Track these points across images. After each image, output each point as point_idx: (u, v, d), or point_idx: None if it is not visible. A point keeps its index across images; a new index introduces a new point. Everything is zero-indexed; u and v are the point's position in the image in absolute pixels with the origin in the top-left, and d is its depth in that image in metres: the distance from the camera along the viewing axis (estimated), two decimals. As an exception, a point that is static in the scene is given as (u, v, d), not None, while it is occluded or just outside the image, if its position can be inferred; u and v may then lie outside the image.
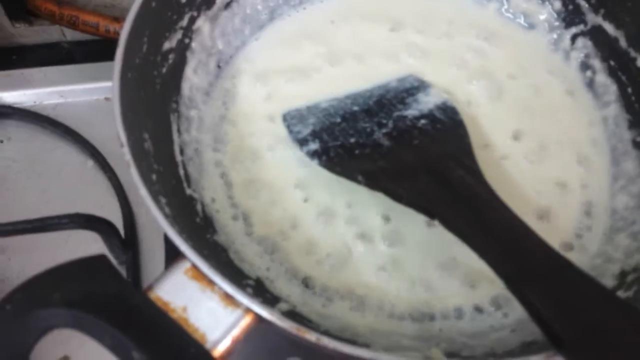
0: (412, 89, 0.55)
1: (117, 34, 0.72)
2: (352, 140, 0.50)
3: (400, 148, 0.49)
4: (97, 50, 0.76)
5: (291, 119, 0.53)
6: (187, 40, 0.54)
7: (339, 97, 0.55)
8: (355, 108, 0.53)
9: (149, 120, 0.47)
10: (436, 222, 0.44)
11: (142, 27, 0.47)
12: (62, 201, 0.60)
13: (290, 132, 0.52)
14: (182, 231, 0.41)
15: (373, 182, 0.46)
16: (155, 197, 0.41)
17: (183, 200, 0.48)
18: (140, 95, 0.47)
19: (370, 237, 0.49)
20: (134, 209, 0.60)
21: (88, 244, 0.56)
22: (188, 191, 0.49)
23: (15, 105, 0.66)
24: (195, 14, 0.54)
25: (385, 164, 0.48)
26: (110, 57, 0.69)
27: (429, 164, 0.47)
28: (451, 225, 0.42)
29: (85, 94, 0.67)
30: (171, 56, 0.52)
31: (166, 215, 0.40)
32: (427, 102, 0.53)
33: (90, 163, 0.63)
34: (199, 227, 0.47)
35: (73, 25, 0.74)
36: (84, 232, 0.53)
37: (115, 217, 0.58)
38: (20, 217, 0.57)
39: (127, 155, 0.40)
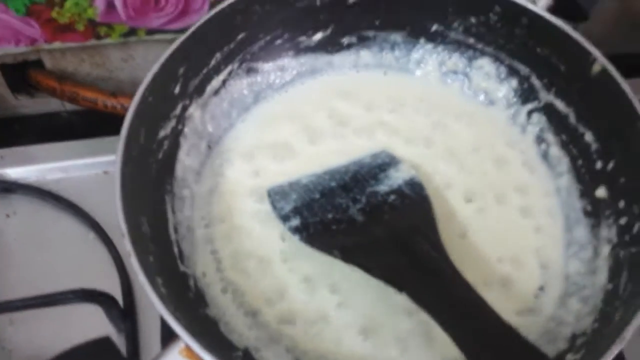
0: (383, 164, 0.60)
1: (115, 108, 0.78)
2: (330, 216, 0.56)
3: (372, 223, 0.55)
4: (96, 120, 0.80)
5: (275, 195, 0.58)
6: (180, 127, 0.59)
7: (318, 173, 0.60)
8: (333, 184, 0.59)
9: (146, 204, 0.52)
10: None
11: (139, 121, 0.52)
12: (64, 272, 0.65)
13: (274, 208, 0.57)
14: (177, 309, 0.46)
15: (348, 256, 0.52)
16: (152, 280, 0.46)
17: (177, 276, 0.53)
18: (139, 184, 0.52)
19: (349, 304, 0.54)
20: (132, 277, 0.65)
21: (90, 313, 0.60)
22: (182, 268, 0.54)
23: (20, 181, 0.71)
24: (187, 102, 0.60)
25: (359, 239, 0.53)
26: (107, 131, 0.75)
27: (398, 238, 0.53)
28: (417, 299, 0.47)
29: (85, 169, 0.72)
30: (166, 142, 0.57)
31: (162, 296, 0.45)
32: (397, 177, 0.58)
33: (91, 235, 0.67)
34: (192, 301, 0.52)
35: (73, 100, 0.79)
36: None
37: (114, 285, 0.63)
38: (27, 289, 0.62)
39: (128, 246, 0.45)
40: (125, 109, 0.77)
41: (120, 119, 0.78)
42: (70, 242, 0.67)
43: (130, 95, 0.76)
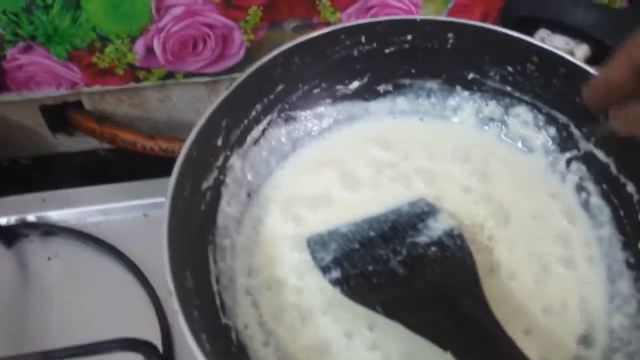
0: (422, 214, 0.60)
1: (153, 149, 0.80)
2: (370, 268, 0.56)
3: (413, 277, 0.55)
4: (133, 159, 0.82)
5: (314, 245, 0.59)
6: (222, 177, 0.60)
7: (356, 222, 0.60)
8: (372, 233, 0.59)
9: (190, 257, 0.53)
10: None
11: (185, 175, 0.53)
12: (104, 316, 0.65)
13: (314, 258, 0.57)
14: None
15: (390, 312, 0.52)
16: (198, 338, 0.46)
17: (220, 330, 0.53)
18: (183, 237, 0.53)
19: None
20: (171, 322, 0.65)
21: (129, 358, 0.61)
22: (224, 320, 0.54)
23: (61, 224, 0.72)
24: (229, 153, 0.61)
25: (400, 294, 0.53)
26: (145, 170, 0.76)
27: (440, 294, 0.52)
28: (461, 358, 0.47)
29: (124, 212, 0.73)
30: (208, 193, 0.58)
31: (207, 354, 0.46)
32: (436, 228, 0.58)
33: (130, 278, 0.68)
34: (234, 356, 0.53)
35: (112, 142, 0.81)
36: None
37: (153, 329, 0.64)
38: (67, 334, 0.63)
39: (176, 305, 0.46)
40: (163, 151, 0.79)
41: (157, 160, 0.80)
42: (110, 286, 0.68)
43: (167, 137, 0.79)
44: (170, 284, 0.47)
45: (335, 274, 0.56)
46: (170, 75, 0.77)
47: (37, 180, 0.84)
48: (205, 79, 0.78)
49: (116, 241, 0.70)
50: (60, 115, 0.83)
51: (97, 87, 0.78)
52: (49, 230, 0.72)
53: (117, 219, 0.73)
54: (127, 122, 0.84)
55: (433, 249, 0.57)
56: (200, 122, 0.55)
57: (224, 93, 0.56)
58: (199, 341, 0.46)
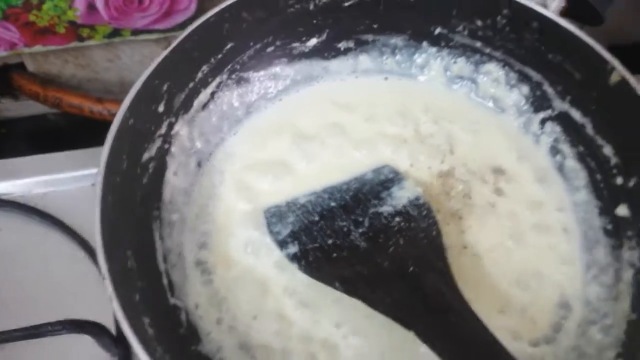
0: (386, 181, 0.56)
1: (101, 114, 0.74)
2: (330, 241, 0.52)
3: (376, 251, 0.51)
4: (84, 123, 0.77)
5: (271, 217, 0.55)
6: (166, 146, 0.55)
7: (317, 192, 0.56)
8: (333, 204, 0.55)
9: (131, 235, 0.49)
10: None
11: (121, 147, 0.49)
12: (51, 294, 0.61)
13: (271, 232, 0.54)
14: (167, 349, 0.43)
15: (350, 289, 0.48)
16: (137, 323, 0.43)
17: (167, 311, 0.50)
18: (122, 214, 0.48)
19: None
20: (123, 300, 0.62)
21: (81, 341, 0.57)
22: (172, 300, 0.51)
23: (4, 197, 0.67)
24: (173, 119, 0.56)
25: (361, 269, 0.50)
26: (96, 137, 0.71)
27: (404, 269, 0.49)
28: (426, 339, 0.44)
29: (72, 182, 0.68)
30: (151, 165, 0.53)
31: (150, 340, 0.42)
32: (401, 197, 0.55)
33: (80, 254, 0.64)
34: (184, 339, 0.49)
35: (58, 106, 0.76)
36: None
37: (105, 307, 0.60)
38: (11, 315, 0.59)
39: (109, 289, 0.42)
40: (113, 115, 0.74)
41: (108, 125, 0.75)
42: (58, 262, 0.64)
43: (117, 101, 0.74)
44: (104, 268, 0.43)
45: (293, 248, 0.52)
46: (116, 32, 0.72)
47: (-20, 149, 0.79)
48: (155, 35, 0.73)
49: (63, 214, 0.66)
50: (3, 79, 0.78)
51: (37, 47, 0.72)
52: (-10, 203, 0.67)
53: (63, 190, 0.68)
54: (75, 84, 0.79)
55: (397, 219, 0.53)
56: (136, 87, 0.50)
57: (161, 54, 0.51)
58: (139, 327, 0.43)
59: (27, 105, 0.82)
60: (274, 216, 0.55)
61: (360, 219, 0.53)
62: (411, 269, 0.49)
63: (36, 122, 0.84)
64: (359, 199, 0.55)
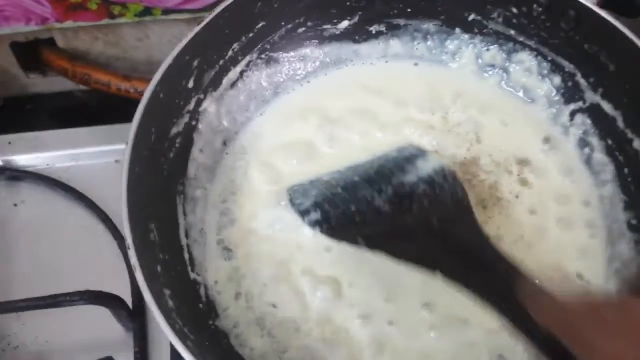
0: (411, 157, 0.54)
1: (128, 92, 0.75)
2: (353, 208, 0.51)
3: (399, 213, 0.50)
4: (110, 101, 0.77)
5: (294, 193, 0.54)
6: (194, 123, 0.55)
7: (340, 170, 0.56)
8: (356, 178, 0.53)
9: (155, 209, 0.49)
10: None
11: (150, 120, 0.49)
12: (72, 267, 0.62)
13: (293, 204, 0.53)
14: (185, 323, 0.43)
15: (373, 243, 0.48)
16: (159, 294, 0.43)
17: (187, 285, 0.50)
18: (148, 187, 0.48)
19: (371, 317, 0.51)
20: (142, 275, 0.62)
21: (99, 311, 0.58)
22: (192, 275, 0.51)
23: (29, 169, 0.68)
24: (202, 96, 0.56)
25: (385, 228, 0.49)
26: (122, 114, 0.72)
27: (428, 227, 0.49)
28: (451, 274, 0.44)
29: (96, 157, 0.69)
30: (178, 140, 0.54)
31: (169, 311, 0.42)
32: (426, 168, 0.52)
33: (100, 228, 0.64)
34: (202, 313, 0.49)
35: (85, 82, 0.76)
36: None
37: (123, 281, 0.60)
38: (33, 285, 0.60)
39: (134, 259, 0.42)
40: (140, 93, 0.74)
41: (135, 103, 0.75)
42: (79, 235, 0.64)
43: (144, 79, 0.74)
44: (129, 237, 0.43)
45: (315, 216, 0.50)
46: (147, 11, 0.71)
47: (8, 123, 0.79)
48: (186, 15, 0.73)
49: (86, 188, 0.66)
50: (33, 54, 0.78)
51: (69, 23, 0.72)
52: (15, 175, 0.67)
53: (87, 164, 0.69)
54: (103, 61, 0.79)
55: (422, 186, 0.51)
56: (168, 61, 0.50)
57: (194, 29, 0.51)
58: (160, 298, 0.43)
59: (55, 81, 0.82)
60: (297, 192, 0.54)
61: (384, 188, 0.51)
62: (437, 226, 0.48)
63: (63, 99, 0.84)
64: (383, 173, 0.53)
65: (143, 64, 0.80)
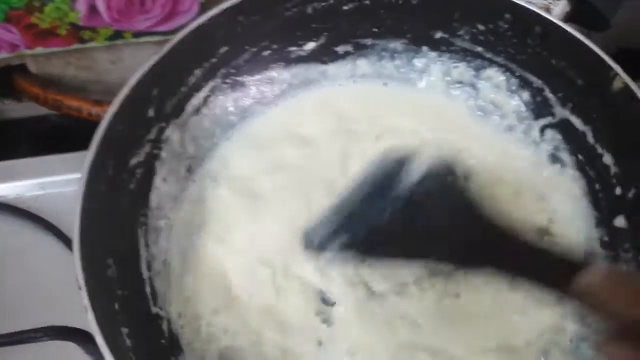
0: (399, 163, 0.52)
1: (100, 117, 0.74)
2: (373, 222, 0.48)
3: (413, 215, 0.48)
4: (87, 126, 0.77)
5: (308, 235, 0.50)
6: (156, 151, 0.54)
7: (336, 201, 0.53)
8: (357, 199, 0.50)
9: (114, 243, 0.48)
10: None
11: (107, 152, 0.48)
12: (43, 300, 0.61)
13: (311, 244, 0.49)
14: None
15: (410, 255, 0.48)
16: (115, 335, 0.42)
17: (148, 321, 0.49)
18: (105, 222, 0.48)
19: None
20: (113, 306, 0.61)
21: (69, 345, 0.57)
22: (154, 310, 0.50)
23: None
24: (164, 125, 0.55)
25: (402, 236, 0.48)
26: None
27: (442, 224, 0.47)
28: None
29: (66, 185, 0.67)
30: (139, 171, 0.53)
31: (127, 350, 0.42)
32: (418, 169, 0.51)
33: (71, 259, 0.63)
34: (164, 349, 0.48)
35: (57, 108, 0.75)
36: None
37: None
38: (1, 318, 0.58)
39: (85, 300, 0.41)
40: (112, 118, 0.73)
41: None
42: (48, 267, 0.63)
43: (117, 103, 0.73)
44: (80, 278, 0.42)
45: (343, 238, 0.48)
46: (118, 35, 0.71)
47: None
48: (157, 38, 0.72)
49: (56, 218, 0.65)
50: (6, 80, 0.77)
51: (39, 50, 0.72)
52: (-18, 206, 0.67)
53: (57, 193, 0.68)
54: (77, 85, 0.78)
55: (424, 184, 0.49)
56: (124, 92, 0.49)
57: (152, 59, 0.50)
58: (116, 338, 0.42)
59: (30, 106, 0.81)
60: (311, 232, 0.50)
61: (391, 195, 0.49)
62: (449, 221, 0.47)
63: (39, 124, 0.84)
64: (381, 186, 0.50)
65: (117, 86, 0.77)
